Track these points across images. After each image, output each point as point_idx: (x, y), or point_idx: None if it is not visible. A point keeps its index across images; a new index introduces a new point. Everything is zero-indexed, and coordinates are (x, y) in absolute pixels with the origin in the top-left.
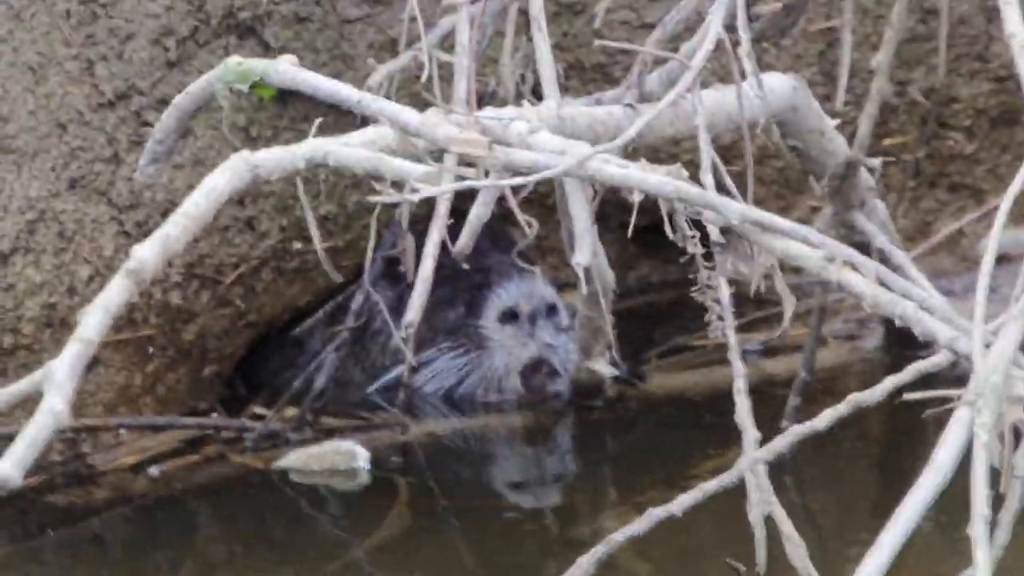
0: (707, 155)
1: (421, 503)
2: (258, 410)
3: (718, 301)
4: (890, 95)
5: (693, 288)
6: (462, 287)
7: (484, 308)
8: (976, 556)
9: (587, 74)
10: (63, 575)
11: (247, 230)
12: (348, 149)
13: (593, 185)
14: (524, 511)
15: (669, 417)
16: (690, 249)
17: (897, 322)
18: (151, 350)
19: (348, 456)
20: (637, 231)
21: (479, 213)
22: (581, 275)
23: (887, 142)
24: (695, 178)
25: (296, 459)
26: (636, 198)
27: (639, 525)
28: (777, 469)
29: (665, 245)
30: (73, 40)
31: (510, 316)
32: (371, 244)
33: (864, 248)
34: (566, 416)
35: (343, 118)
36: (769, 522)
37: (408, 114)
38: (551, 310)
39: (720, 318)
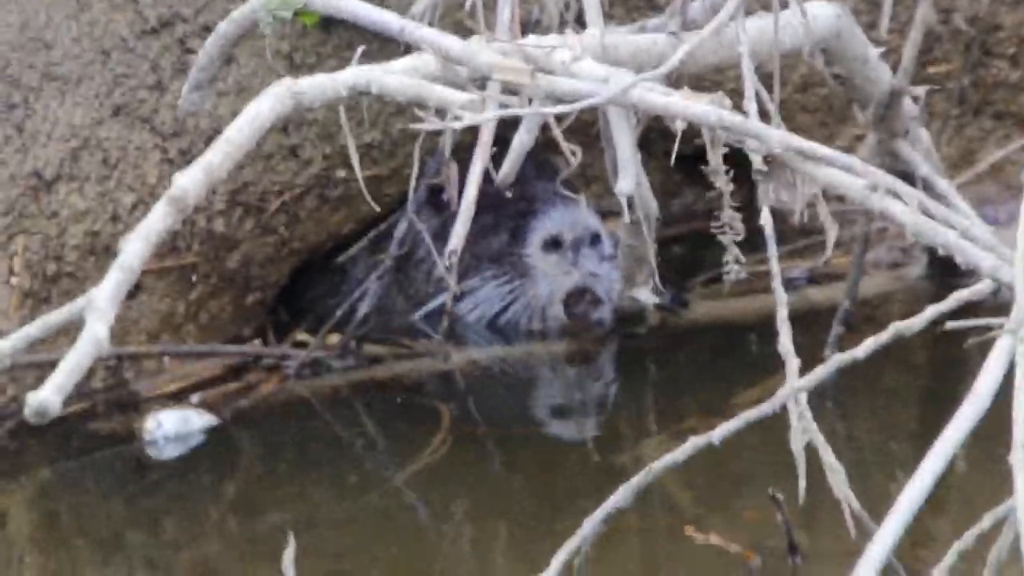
0: (750, 83)
1: (463, 430)
2: (301, 337)
3: (736, 240)
4: (934, 22)
5: (714, 225)
6: (506, 215)
7: (528, 236)
8: (1017, 484)
9: (631, 2)
10: (104, 502)
11: (291, 157)
12: (391, 76)
13: (636, 113)
14: (565, 439)
15: (711, 345)
16: (718, 185)
17: (940, 251)
18: (194, 278)
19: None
20: (680, 159)
21: (522, 141)
22: (624, 203)
23: (931, 70)
24: (739, 106)
25: None
26: (679, 126)
27: (679, 453)
28: (819, 398)
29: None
30: None
31: (554, 244)
32: (415, 172)
33: (908, 177)
34: (608, 344)
35: (386, 45)
36: (810, 451)
37: (451, 41)
38: (595, 238)
39: (738, 261)
